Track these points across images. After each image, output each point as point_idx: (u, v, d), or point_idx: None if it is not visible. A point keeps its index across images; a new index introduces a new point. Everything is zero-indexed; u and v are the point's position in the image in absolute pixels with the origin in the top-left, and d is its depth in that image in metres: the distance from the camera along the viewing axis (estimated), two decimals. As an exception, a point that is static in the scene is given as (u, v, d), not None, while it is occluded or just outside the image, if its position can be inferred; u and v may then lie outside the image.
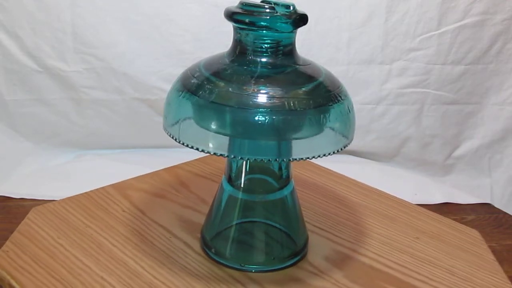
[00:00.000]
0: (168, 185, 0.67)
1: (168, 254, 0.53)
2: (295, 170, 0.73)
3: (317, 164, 0.75)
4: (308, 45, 0.98)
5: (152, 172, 0.70)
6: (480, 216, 0.93)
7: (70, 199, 0.63)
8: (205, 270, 0.50)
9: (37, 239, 0.55)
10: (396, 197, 0.67)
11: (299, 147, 0.43)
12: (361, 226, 0.60)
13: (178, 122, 0.45)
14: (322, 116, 0.43)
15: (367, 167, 1.05)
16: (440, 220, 0.62)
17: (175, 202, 0.63)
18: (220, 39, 0.93)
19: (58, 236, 0.56)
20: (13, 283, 0.49)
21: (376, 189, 0.69)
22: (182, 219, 0.59)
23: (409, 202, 0.66)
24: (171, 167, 0.72)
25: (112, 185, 0.66)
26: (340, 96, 0.44)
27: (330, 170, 0.75)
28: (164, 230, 0.57)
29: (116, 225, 0.58)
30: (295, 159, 0.42)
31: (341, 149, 0.44)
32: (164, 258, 0.52)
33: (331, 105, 0.43)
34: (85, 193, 0.64)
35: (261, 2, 0.44)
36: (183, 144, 0.44)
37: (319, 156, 0.43)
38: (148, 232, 0.56)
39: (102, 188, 0.65)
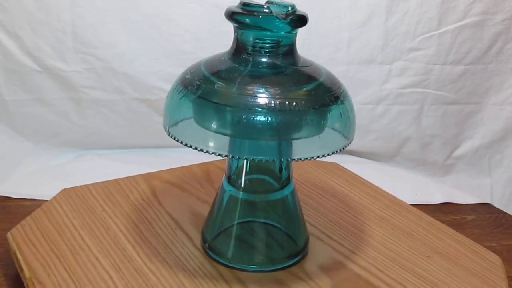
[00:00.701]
0: (195, 179, 0.69)
1: (167, 245, 0.54)
2: (312, 168, 0.73)
3: (339, 165, 0.75)
4: (308, 45, 0.98)
5: (184, 166, 0.73)
6: (480, 216, 0.93)
7: (99, 184, 0.67)
8: (195, 264, 0.51)
9: (54, 217, 0.59)
10: (421, 212, 0.65)
11: (299, 147, 0.43)
12: (371, 237, 0.59)
13: (177, 121, 0.45)
14: (322, 116, 0.43)
15: (367, 167, 1.05)
16: (461, 241, 0.59)
17: (195, 196, 0.64)
18: (220, 39, 0.93)
19: (74, 216, 0.59)
20: (18, 254, 0.53)
21: (400, 201, 0.68)
22: (194, 213, 0.60)
23: (433, 219, 0.63)
24: (205, 163, 0.74)
25: (142, 175, 0.69)
26: (341, 97, 0.44)
27: (352, 172, 0.74)
28: (172, 222, 0.58)
29: (130, 212, 0.60)
30: (295, 159, 0.42)
31: (342, 149, 0.44)
32: (162, 248, 0.54)
33: (331, 106, 0.43)
34: (115, 180, 0.67)
35: (265, 2, 0.44)
36: (182, 143, 0.44)
37: (319, 156, 0.43)
38: (158, 221, 0.59)
39: (132, 176, 0.69)
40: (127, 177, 0.68)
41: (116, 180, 0.67)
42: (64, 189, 0.64)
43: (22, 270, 0.51)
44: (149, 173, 0.69)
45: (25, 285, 0.50)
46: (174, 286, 0.48)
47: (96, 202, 0.62)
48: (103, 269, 0.50)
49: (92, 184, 0.66)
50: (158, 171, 0.70)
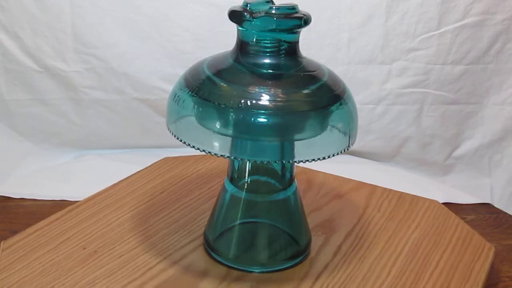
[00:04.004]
0: None
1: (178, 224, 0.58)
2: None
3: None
4: (308, 45, 0.98)
5: None
6: (480, 216, 0.93)
7: (202, 157, 0.73)
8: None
9: (156, 178, 0.69)
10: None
11: (302, 149, 0.43)
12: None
13: (179, 120, 0.45)
14: (324, 117, 0.43)
15: (367, 167, 1.05)
16: None
17: None
18: (220, 39, 0.93)
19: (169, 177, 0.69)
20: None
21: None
22: None
23: None
24: None
25: None
26: (343, 97, 0.44)
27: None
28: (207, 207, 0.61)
29: (202, 184, 0.65)
30: (298, 161, 0.42)
31: (344, 150, 0.44)
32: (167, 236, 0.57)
33: (334, 106, 0.43)
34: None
35: (266, 2, 0.44)
36: (183, 142, 0.44)
37: (322, 157, 0.43)
38: (197, 197, 0.63)
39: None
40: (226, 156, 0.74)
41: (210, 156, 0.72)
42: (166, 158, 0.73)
43: None
44: None
45: None
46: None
47: (175, 176, 0.69)
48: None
49: (191, 156, 0.73)
50: None
